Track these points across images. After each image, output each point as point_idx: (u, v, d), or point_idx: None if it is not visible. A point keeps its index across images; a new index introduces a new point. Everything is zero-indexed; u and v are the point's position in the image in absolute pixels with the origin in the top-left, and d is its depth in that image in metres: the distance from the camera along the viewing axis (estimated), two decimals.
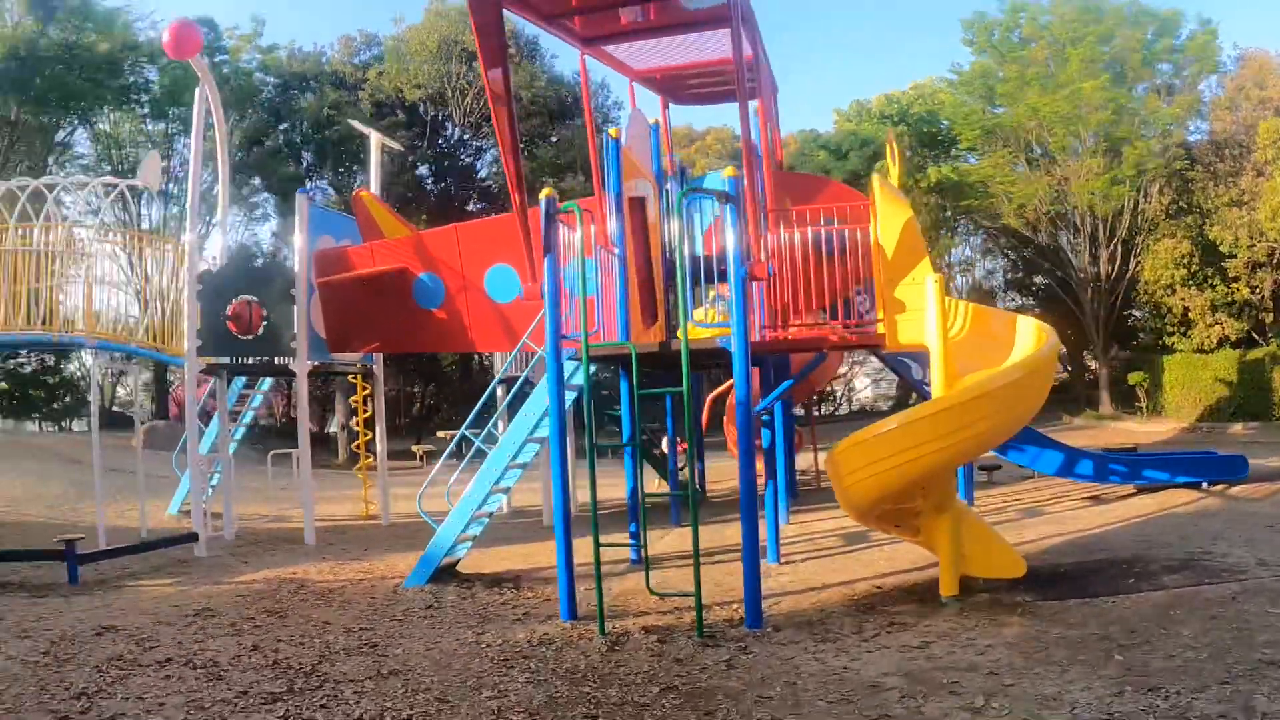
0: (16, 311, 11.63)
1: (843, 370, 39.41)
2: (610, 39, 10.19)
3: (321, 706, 5.49)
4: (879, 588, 8.29)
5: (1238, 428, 23.53)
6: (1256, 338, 26.10)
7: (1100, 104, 26.35)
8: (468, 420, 10.79)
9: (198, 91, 12.11)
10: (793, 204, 9.55)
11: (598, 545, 7.45)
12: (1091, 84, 25.98)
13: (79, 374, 31.45)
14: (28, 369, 32.76)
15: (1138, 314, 30.13)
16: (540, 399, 9.09)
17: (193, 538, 11.36)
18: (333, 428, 32.53)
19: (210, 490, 14.03)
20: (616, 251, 9.11)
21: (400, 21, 37.15)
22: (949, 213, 34.12)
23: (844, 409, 42.47)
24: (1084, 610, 6.99)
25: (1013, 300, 38.69)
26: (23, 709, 5.54)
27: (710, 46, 10.31)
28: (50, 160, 31.49)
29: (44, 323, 11.65)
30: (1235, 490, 12.42)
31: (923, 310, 7.82)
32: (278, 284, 12.54)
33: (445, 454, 11.37)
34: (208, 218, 20.93)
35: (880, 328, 8.18)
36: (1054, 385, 35.88)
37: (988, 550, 7.82)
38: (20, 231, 11.81)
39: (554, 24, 9.48)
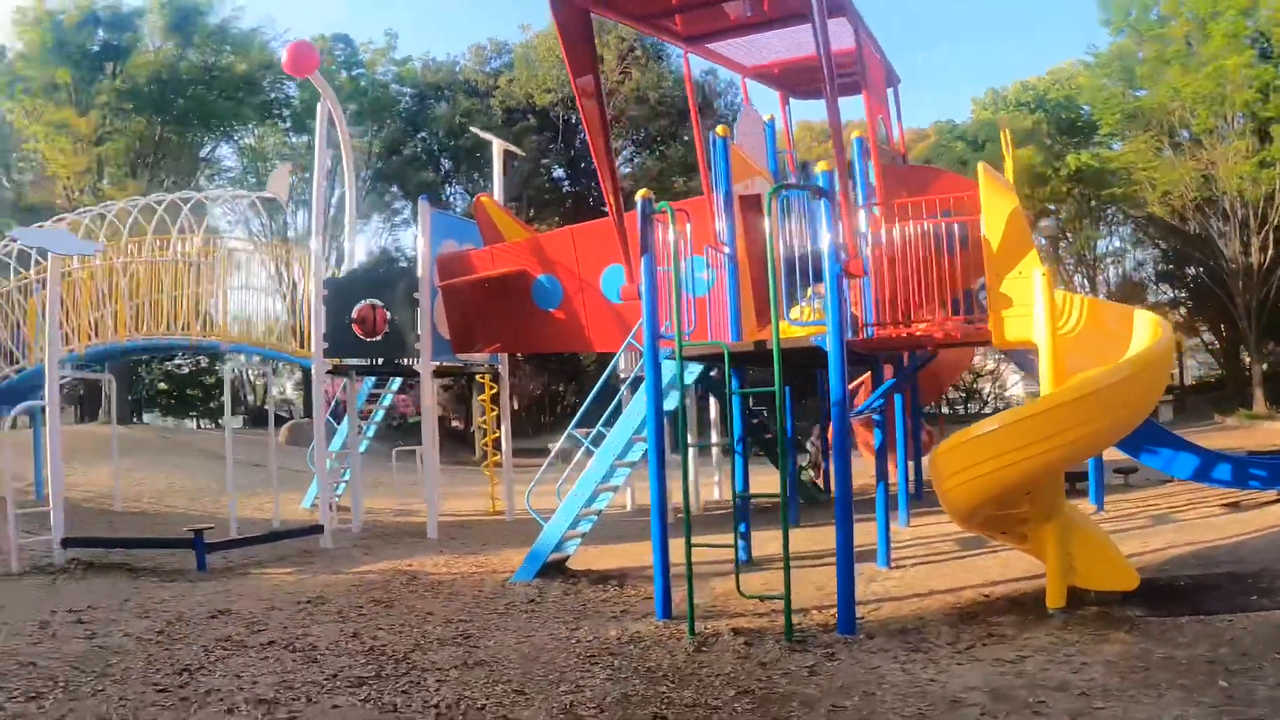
0: (159, 318, 12.46)
1: (990, 366, 38.25)
2: (715, 36, 10.15)
3: (402, 692, 5.68)
4: (986, 596, 7.99)
5: None
6: None
7: (1245, 81, 24.95)
8: (574, 419, 10.94)
9: (319, 106, 12.64)
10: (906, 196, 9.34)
11: (689, 545, 7.45)
12: (1235, 60, 24.64)
13: (233, 374, 33.37)
14: (185, 370, 34.86)
15: None
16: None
17: (319, 529, 11.92)
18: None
19: (342, 485, 14.65)
20: (727, 251, 9.10)
21: (528, 29, 37.98)
22: (1093, 202, 32.80)
23: (991, 407, 41.25)
24: (1196, 629, 6.57)
25: (1164, 293, 36.96)
26: (128, 680, 5.97)
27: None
28: (199, 175, 33.51)
29: (184, 328, 12.44)
30: None
31: (1030, 305, 7.54)
32: (403, 287, 12.98)
33: (551, 456, 11.55)
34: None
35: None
36: (1208, 383, 34.22)
37: (1099, 561, 7.42)
38: (159, 243, 12.65)
39: (651, 24, 9.52)
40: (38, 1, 28.65)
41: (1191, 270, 32.42)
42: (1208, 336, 35.67)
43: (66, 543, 10.60)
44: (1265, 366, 28.13)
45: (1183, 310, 35.91)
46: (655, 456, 8.07)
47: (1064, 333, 7.97)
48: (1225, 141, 26.38)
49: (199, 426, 35.70)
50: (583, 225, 13.65)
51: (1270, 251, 26.82)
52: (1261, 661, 5.68)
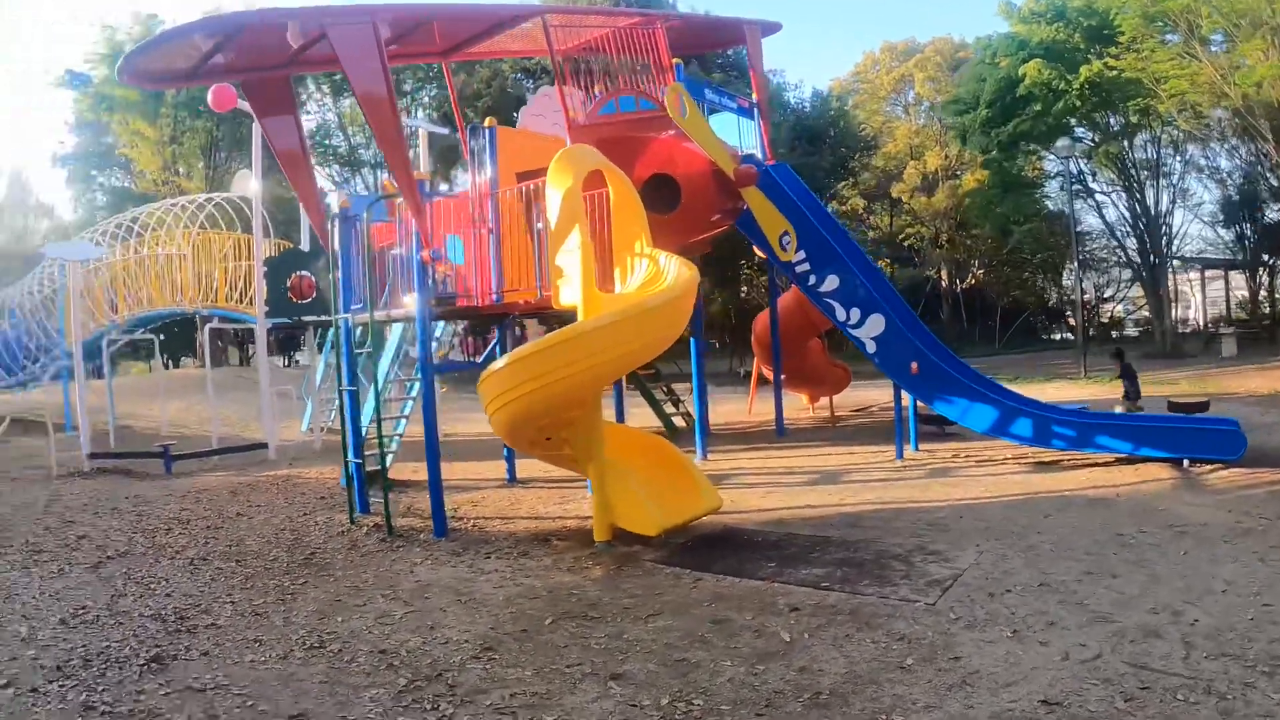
0: (160, 293, 16.69)
1: None
2: (466, 44, 12.36)
3: (214, 529, 9.88)
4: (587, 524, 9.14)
5: None
6: None
7: None
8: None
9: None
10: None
11: (346, 461, 10.27)
12: None
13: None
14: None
15: None
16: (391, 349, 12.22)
17: (264, 446, 15.61)
18: None
19: (333, 413, 18.18)
20: (490, 227, 10.51)
21: None
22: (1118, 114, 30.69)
23: None
24: (661, 582, 7.30)
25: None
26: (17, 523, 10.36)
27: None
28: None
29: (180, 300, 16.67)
30: (1219, 475, 10.44)
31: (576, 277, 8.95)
32: (325, 260, 15.89)
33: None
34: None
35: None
36: None
37: (628, 505, 8.47)
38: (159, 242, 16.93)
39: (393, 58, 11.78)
40: (105, 41, 35.41)
41: None
42: None
43: (91, 456, 14.93)
44: None
45: None
46: (349, 397, 10.58)
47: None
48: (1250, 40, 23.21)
49: (285, 364, 41.42)
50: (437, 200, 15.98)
51: None
52: (634, 616, 6.44)
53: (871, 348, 12.69)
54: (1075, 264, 32.59)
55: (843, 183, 37.95)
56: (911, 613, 6.23)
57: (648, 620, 6.36)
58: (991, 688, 4.97)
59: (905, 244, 42.93)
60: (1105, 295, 43.45)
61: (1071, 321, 41.98)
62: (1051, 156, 33.25)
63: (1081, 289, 35.09)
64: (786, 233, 12.88)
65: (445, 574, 7.89)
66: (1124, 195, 34.63)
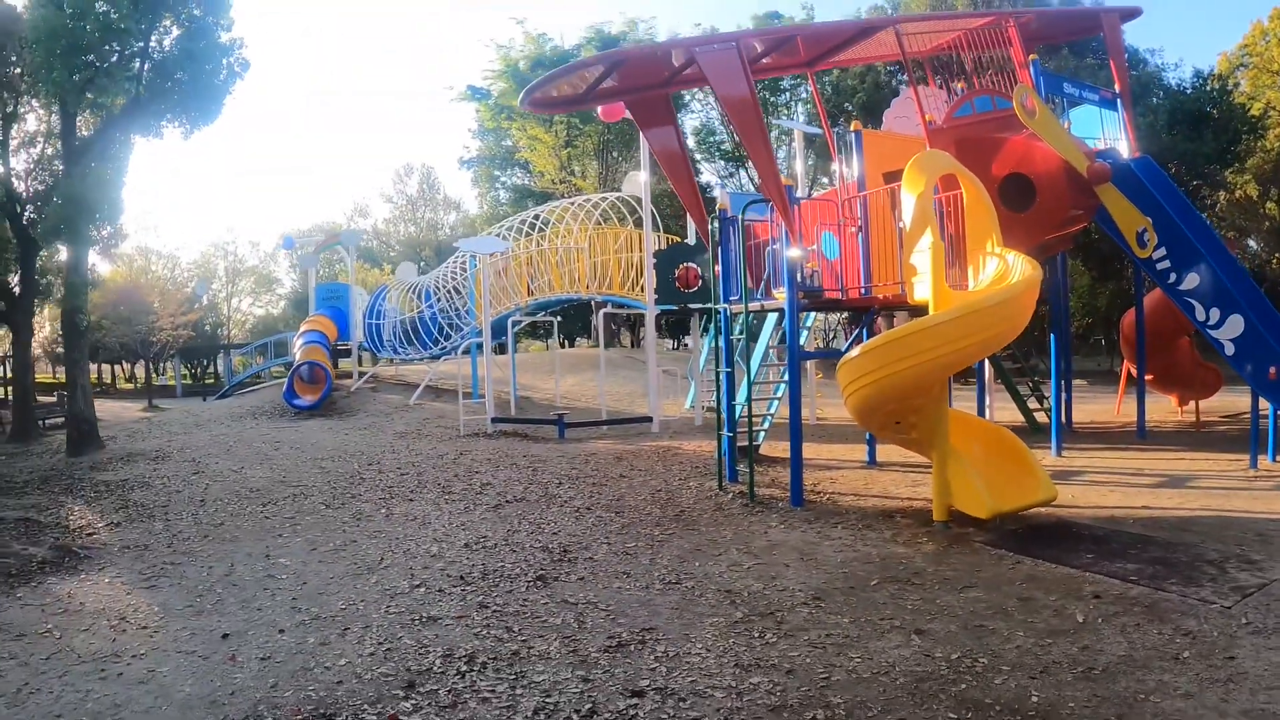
0: (560, 281, 19.26)
1: None
2: (826, 55, 13.29)
3: (597, 485, 11.70)
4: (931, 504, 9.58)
5: None
6: None
7: None
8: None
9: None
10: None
11: (719, 438, 11.66)
12: None
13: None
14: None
15: None
16: (766, 336, 13.25)
17: (648, 419, 17.58)
18: None
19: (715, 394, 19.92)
20: (859, 224, 11.17)
21: None
22: None
23: None
24: (982, 560, 7.80)
25: None
26: (496, 467, 13.11)
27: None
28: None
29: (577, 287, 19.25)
30: None
31: (927, 275, 9.57)
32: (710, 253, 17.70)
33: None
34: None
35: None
36: None
37: (964, 489, 9.00)
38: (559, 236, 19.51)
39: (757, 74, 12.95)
40: (501, 59, 40.02)
41: None
42: None
43: (494, 420, 17.85)
44: None
45: None
46: (725, 379, 11.98)
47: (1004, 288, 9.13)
48: None
49: (674, 347, 43.63)
50: (808, 201, 16.79)
51: None
52: (950, 586, 7.01)
53: (1230, 350, 12.13)
54: None
55: (1229, 169, 34.28)
56: (1205, 613, 6.35)
57: (961, 591, 6.96)
58: (1253, 688, 5.10)
59: None
60: None
61: None
62: None
63: None
64: (1145, 229, 12.60)
65: (794, 536, 8.93)
66: None
